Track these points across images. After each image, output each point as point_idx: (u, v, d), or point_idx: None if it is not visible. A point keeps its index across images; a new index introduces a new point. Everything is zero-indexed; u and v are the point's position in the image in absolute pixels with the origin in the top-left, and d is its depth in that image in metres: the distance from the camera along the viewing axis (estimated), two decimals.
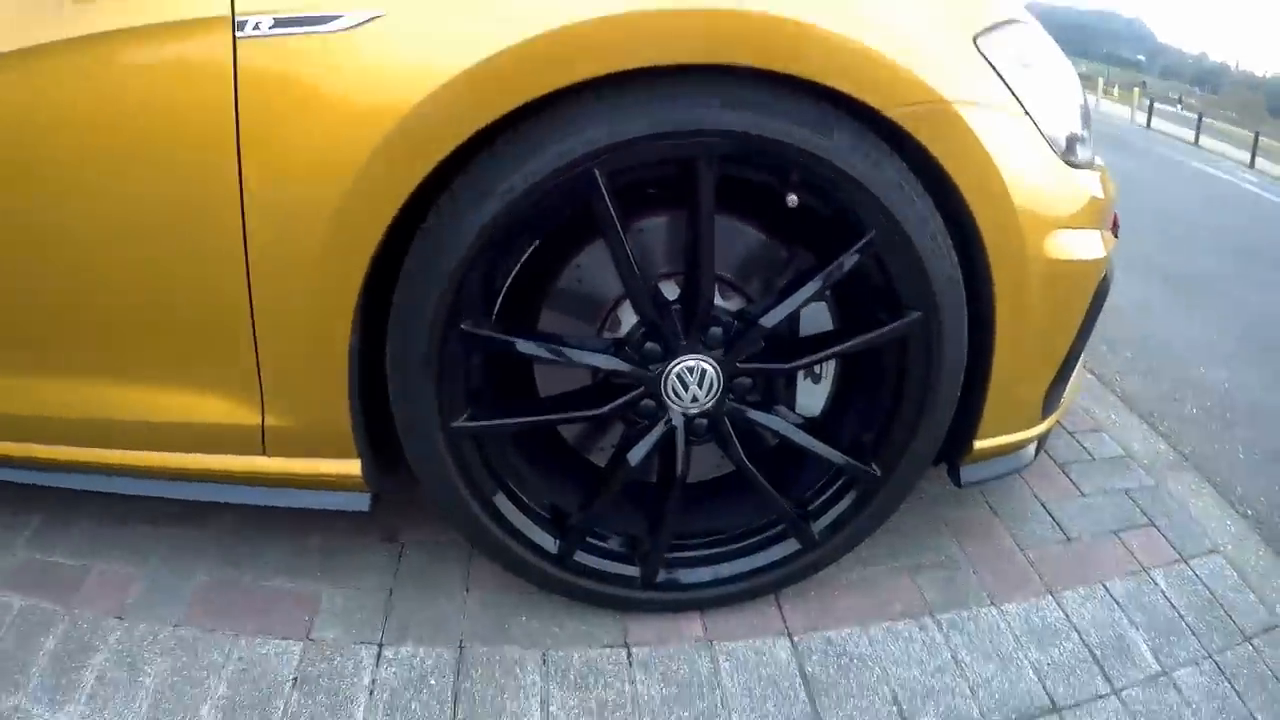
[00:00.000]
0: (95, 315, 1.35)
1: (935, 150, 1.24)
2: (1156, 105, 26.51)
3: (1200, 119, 23.72)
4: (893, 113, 1.21)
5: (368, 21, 1.14)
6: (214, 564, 1.76)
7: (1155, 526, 2.01)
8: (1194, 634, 1.71)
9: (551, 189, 1.19)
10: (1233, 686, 1.60)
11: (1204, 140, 22.96)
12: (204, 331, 1.32)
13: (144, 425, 1.41)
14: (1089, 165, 1.51)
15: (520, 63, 1.13)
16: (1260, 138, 21.20)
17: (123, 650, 1.58)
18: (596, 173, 1.19)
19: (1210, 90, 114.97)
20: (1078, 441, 2.33)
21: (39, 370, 1.41)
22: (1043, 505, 2.02)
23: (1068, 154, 1.44)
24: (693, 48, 1.15)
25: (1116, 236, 1.76)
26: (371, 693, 1.46)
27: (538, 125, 1.18)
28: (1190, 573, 1.88)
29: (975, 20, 1.33)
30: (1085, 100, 1.56)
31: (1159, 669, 1.60)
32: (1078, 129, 1.47)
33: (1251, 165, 19.81)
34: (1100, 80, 33.87)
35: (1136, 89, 30.22)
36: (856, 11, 1.21)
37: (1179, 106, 51.13)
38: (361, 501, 1.47)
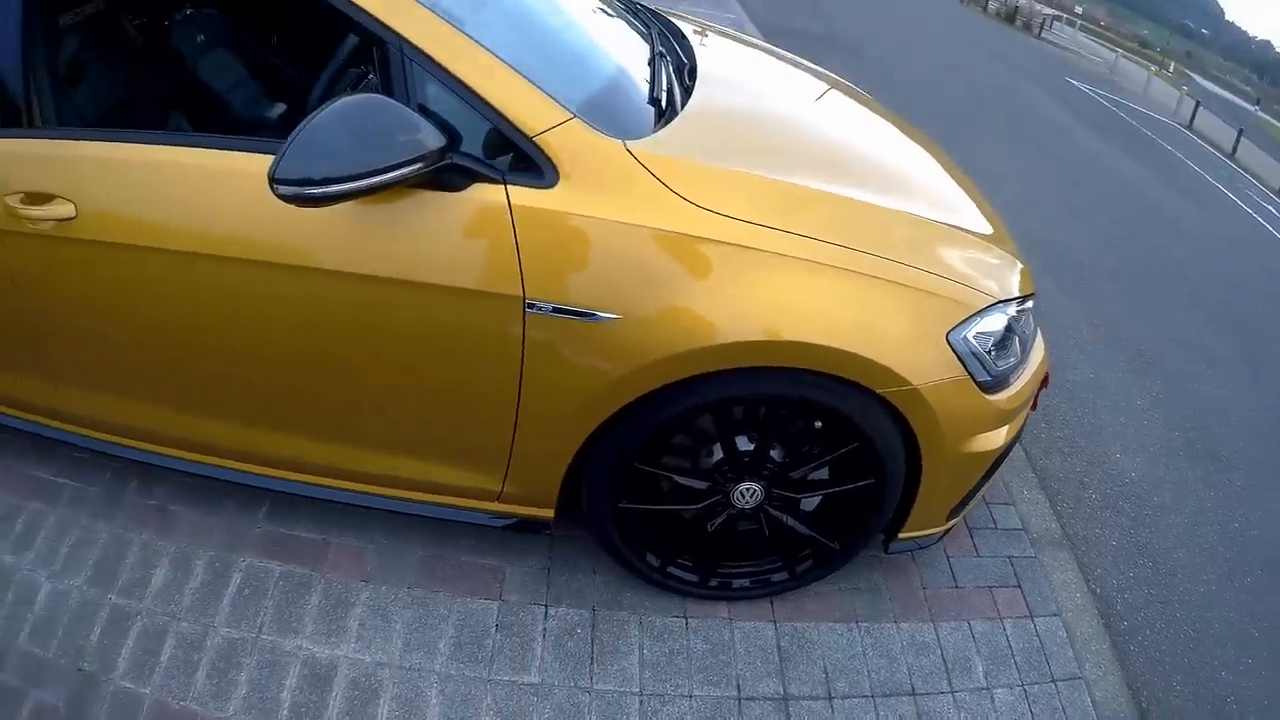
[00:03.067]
0: (416, 429, 2.25)
1: (902, 409, 2.10)
2: (1212, 91, 25.63)
3: (1240, 134, 23.14)
4: (880, 391, 2.06)
5: (611, 320, 1.95)
6: (425, 543, 2.60)
7: (1020, 588, 2.84)
8: (1017, 668, 2.56)
9: (691, 413, 2.11)
10: (1029, 707, 2.47)
11: (1241, 152, 22.95)
12: (482, 445, 2.23)
13: (430, 482, 2.34)
14: (1009, 385, 2.30)
15: (688, 358, 1.96)
16: None
17: (374, 605, 2.41)
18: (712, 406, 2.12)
19: (1270, 82, 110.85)
20: (990, 512, 3.16)
21: (378, 448, 2.32)
22: (948, 558, 2.88)
23: (994, 390, 2.23)
24: (778, 357, 2.01)
25: (1047, 385, 2.60)
26: (544, 636, 2.42)
27: (690, 384, 2.02)
28: (1032, 626, 2.71)
29: (949, 320, 2.12)
30: (1023, 338, 2.35)
31: (985, 685, 2.50)
32: (1008, 370, 2.28)
33: None
34: (1153, 67, 32.23)
35: (1185, 88, 28.72)
36: (862, 332, 2.01)
37: (1256, 108, 46.62)
38: (547, 525, 2.40)
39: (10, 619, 2.36)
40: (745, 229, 1.99)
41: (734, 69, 3.11)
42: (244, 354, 2.21)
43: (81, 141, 2.17)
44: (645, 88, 2.44)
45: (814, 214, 2.13)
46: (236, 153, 2.02)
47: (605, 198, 1.95)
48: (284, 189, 1.73)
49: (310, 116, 1.76)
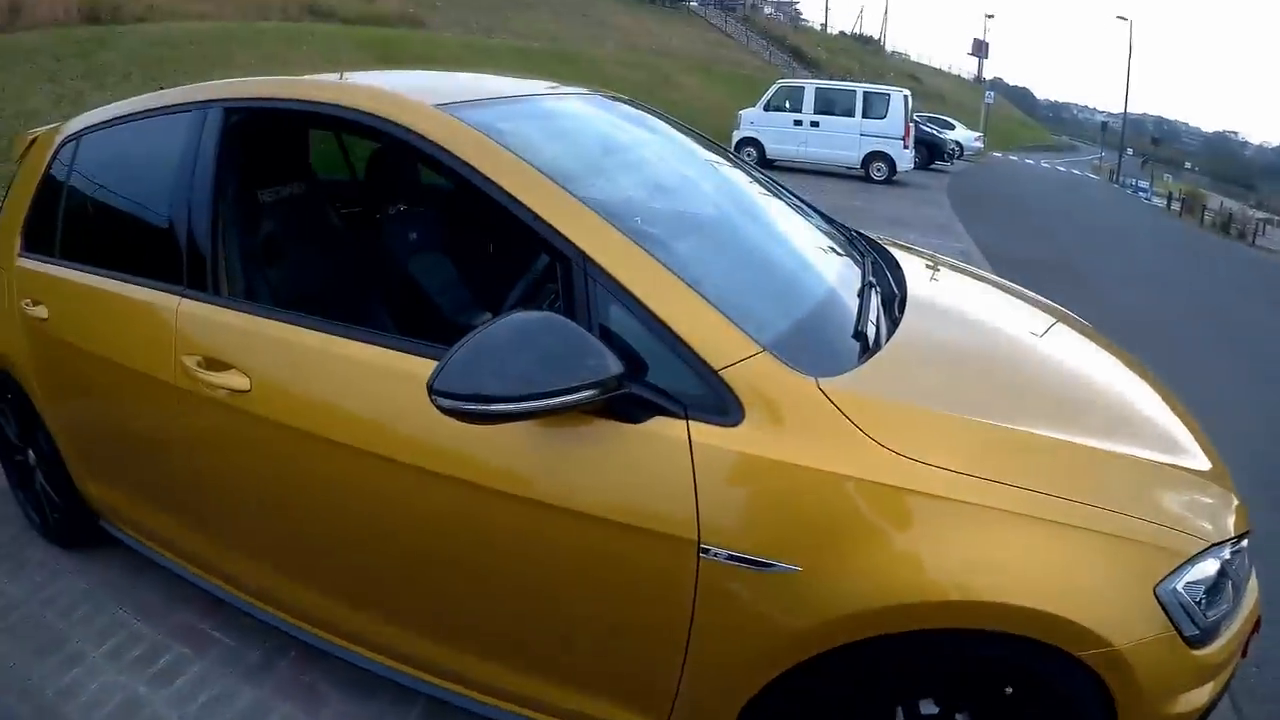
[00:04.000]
0: (580, 660, 2.11)
1: (1099, 671, 1.78)
2: None
3: None
4: (1078, 654, 1.74)
5: (791, 571, 1.75)
6: None
7: None
8: None
9: (872, 673, 1.89)
10: None
11: None
12: (647, 685, 2.04)
13: (591, 716, 2.13)
14: (1218, 636, 1.94)
15: (871, 617, 1.75)
16: None
17: None
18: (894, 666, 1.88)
19: None
20: None
21: (540, 674, 2.16)
22: None
23: (1202, 643, 1.87)
24: (972, 618, 1.75)
25: (1259, 629, 2.18)
26: None
27: (874, 641, 1.78)
28: None
29: (1159, 571, 1.81)
30: (1236, 581, 2.02)
31: None
32: (1218, 618, 1.92)
33: None
34: None
35: None
36: (1066, 591, 1.74)
37: None
38: None
39: None
40: (944, 477, 1.81)
41: (946, 299, 2.98)
42: (399, 556, 2.18)
43: (265, 319, 2.25)
44: (849, 320, 2.29)
45: (1024, 460, 1.92)
46: (411, 355, 2.04)
47: (793, 440, 1.82)
48: (443, 401, 1.68)
49: (478, 329, 1.72)
